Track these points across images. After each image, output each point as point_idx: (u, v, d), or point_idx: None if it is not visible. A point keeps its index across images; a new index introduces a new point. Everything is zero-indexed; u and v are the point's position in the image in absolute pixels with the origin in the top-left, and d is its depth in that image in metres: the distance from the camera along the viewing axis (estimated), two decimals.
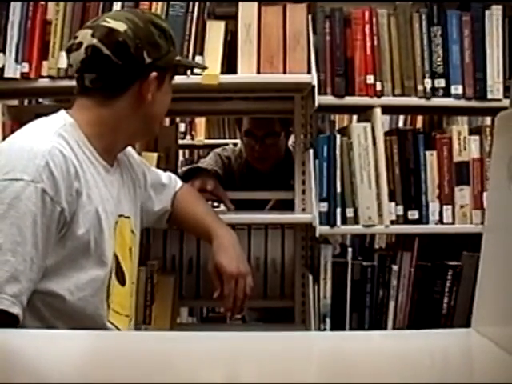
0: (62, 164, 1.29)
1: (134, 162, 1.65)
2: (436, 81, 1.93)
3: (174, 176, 1.79)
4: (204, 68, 1.74)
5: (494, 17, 1.93)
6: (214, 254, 1.58)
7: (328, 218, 1.88)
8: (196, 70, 1.86)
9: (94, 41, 1.37)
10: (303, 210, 2.05)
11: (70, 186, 1.30)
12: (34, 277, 1.26)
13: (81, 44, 1.38)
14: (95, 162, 1.41)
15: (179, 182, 1.78)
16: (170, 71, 1.48)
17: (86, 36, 1.38)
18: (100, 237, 1.37)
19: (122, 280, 1.46)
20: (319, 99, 1.85)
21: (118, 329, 1.44)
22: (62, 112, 1.43)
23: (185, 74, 1.80)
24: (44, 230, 1.26)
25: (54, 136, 1.33)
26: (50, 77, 1.88)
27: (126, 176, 1.57)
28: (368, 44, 1.92)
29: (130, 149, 1.66)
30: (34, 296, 1.29)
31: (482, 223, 1.89)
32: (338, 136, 1.90)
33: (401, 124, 3.42)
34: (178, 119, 3.69)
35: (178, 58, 1.49)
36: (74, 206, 1.31)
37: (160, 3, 1.87)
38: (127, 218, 1.52)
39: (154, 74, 1.40)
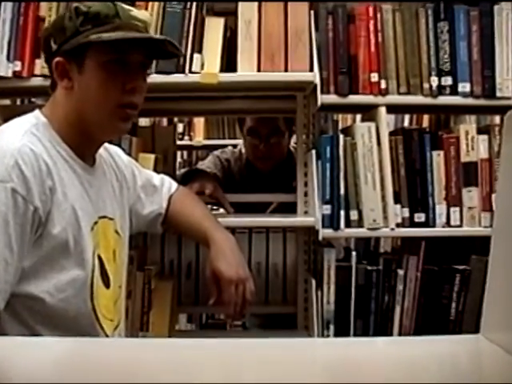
0: (33, 162, 1.29)
1: (121, 163, 1.64)
2: (443, 78, 1.93)
3: (168, 178, 1.78)
4: (151, 39, 1.46)
5: (503, 12, 1.93)
6: (211, 260, 1.57)
7: (331, 221, 1.88)
8: (195, 68, 1.86)
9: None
10: (306, 212, 2.05)
11: (42, 183, 1.30)
12: (9, 279, 1.26)
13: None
14: (71, 160, 1.40)
15: (174, 185, 1.77)
16: (96, 52, 1.37)
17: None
18: (79, 234, 1.37)
19: (106, 282, 1.46)
20: (322, 98, 1.85)
21: (107, 334, 1.45)
22: (37, 111, 1.44)
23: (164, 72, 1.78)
24: (18, 231, 1.26)
25: (24, 135, 1.33)
26: (43, 75, 1.88)
27: (110, 176, 1.56)
28: (372, 41, 1.92)
29: (116, 149, 1.67)
30: (13, 300, 1.29)
31: (491, 226, 1.89)
32: (342, 136, 1.90)
33: (406, 123, 3.42)
34: (175, 119, 3.69)
35: (95, 36, 1.35)
36: (49, 205, 1.31)
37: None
38: (111, 219, 1.52)
39: (55, 59, 1.39)
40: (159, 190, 1.72)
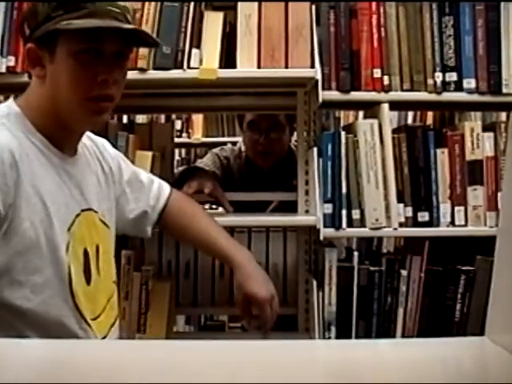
0: None
1: (108, 155, 1.61)
2: (447, 74, 1.93)
3: (158, 179, 1.76)
4: (119, 28, 1.36)
5: (509, 6, 1.93)
6: (241, 284, 1.62)
7: (333, 220, 1.88)
8: (193, 64, 1.86)
9: None
10: (306, 211, 2.05)
11: (4, 175, 1.26)
12: None
13: None
14: (46, 151, 1.37)
15: (165, 186, 1.75)
16: (67, 39, 1.33)
17: None
18: (51, 230, 1.33)
19: (88, 279, 1.43)
20: (323, 95, 1.85)
21: (96, 333, 1.43)
22: (10, 101, 1.41)
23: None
24: None
25: None
26: None
27: (94, 167, 1.54)
28: (375, 36, 1.92)
29: (103, 141, 1.64)
30: None
31: (497, 225, 1.89)
32: (343, 133, 1.90)
33: (410, 120, 3.42)
34: (173, 116, 3.69)
35: (66, 22, 1.30)
36: (11, 198, 1.27)
37: None
38: (96, 212, 1.49)
39: (28, 46, 1.36)
40: (146, 188, 1.69)
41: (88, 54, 1.34)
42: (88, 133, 1.54)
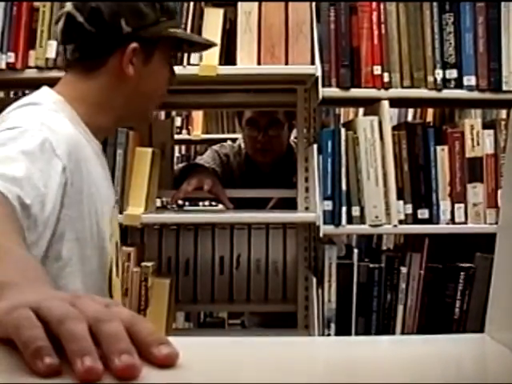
0: (63, 131, 1.22)
1: None
2: (447, 71, 1.93)
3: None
4: (212, 45, 1.55)
5: (510, 3, 1.93)
6: None
7: (333, 218, 1.88)
8: (193, 60, 1.85)
9: (70, 7, 1.32)
10: (306, 208, 2.05)
11: (69, 153, 1.20)
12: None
13: (63, 13, 1.35)
14: (90, 140, 1.33)
15: None
16: (164, 45, 1.38)
17: (68, 4, 1.34)
18: (102, 221, 1.31)
19: (117, 271, 1.43)
20: (323, 91, 1.85)
21: None
22: (45, 88, 1.36)
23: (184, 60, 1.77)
24: (45, 171, 1.13)
25: (47, 110, 1.26)
26: (37, 67, 1.88)
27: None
28: (375, 33, 1.92)
29: None
30: None
31: (496, 223, 1.89)
32: (343, 130, 1.90)
33: (410, 118, 3.41)
34: (173, 113, 3.68)
35: (173, 30, 1.37)
36: (76, 177, 1.21)
37: None
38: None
39: (133, 44, 1.32)
40: None
41: (171, 59, 1.44)
42: None
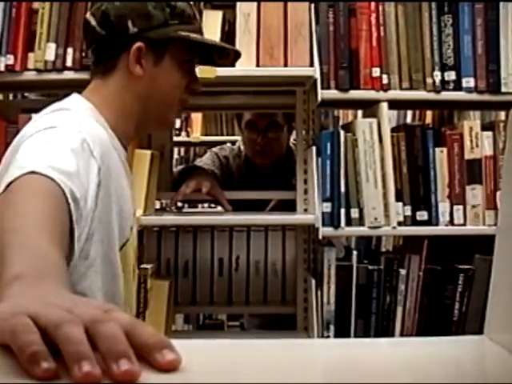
0: (96, 137, 1.23)
1: None
2: (446, 73, 1.93)
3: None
4: (237, 53, 1.51)
5: (509, 5, 1.93)
6: None
7: (332, 219, 1.88)
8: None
9: (88, 14, 1.36)
10: (305, 210, 2.05)
11: (102, 159, 1.20)
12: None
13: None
14: (117, 146, 1.34)
15: None
16: (176, 48, 1.37)
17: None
18: (126, 226, 1.31)
19: (133, 276, 1.43)
20: (322, 93, 1.85)
21: None
22: (76, 95, 1.36)
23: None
24: (84, 166, 1.14)
25: (80, 116, 1.26)
26: (36, 70, 1.88)
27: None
28: (374, 35, 1.92)
29: None
30: None
31: (495, 224, 1.89)
32: (342, 132, 1.90)
33: (409, 119, 3.41)
34: None
35: (185, 33, 1.36)
36: (106, 181, 1.21)
37: None
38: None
39: (137, 44, 1.32)
40: None
41: (189, 63, 1.41)
42: None
